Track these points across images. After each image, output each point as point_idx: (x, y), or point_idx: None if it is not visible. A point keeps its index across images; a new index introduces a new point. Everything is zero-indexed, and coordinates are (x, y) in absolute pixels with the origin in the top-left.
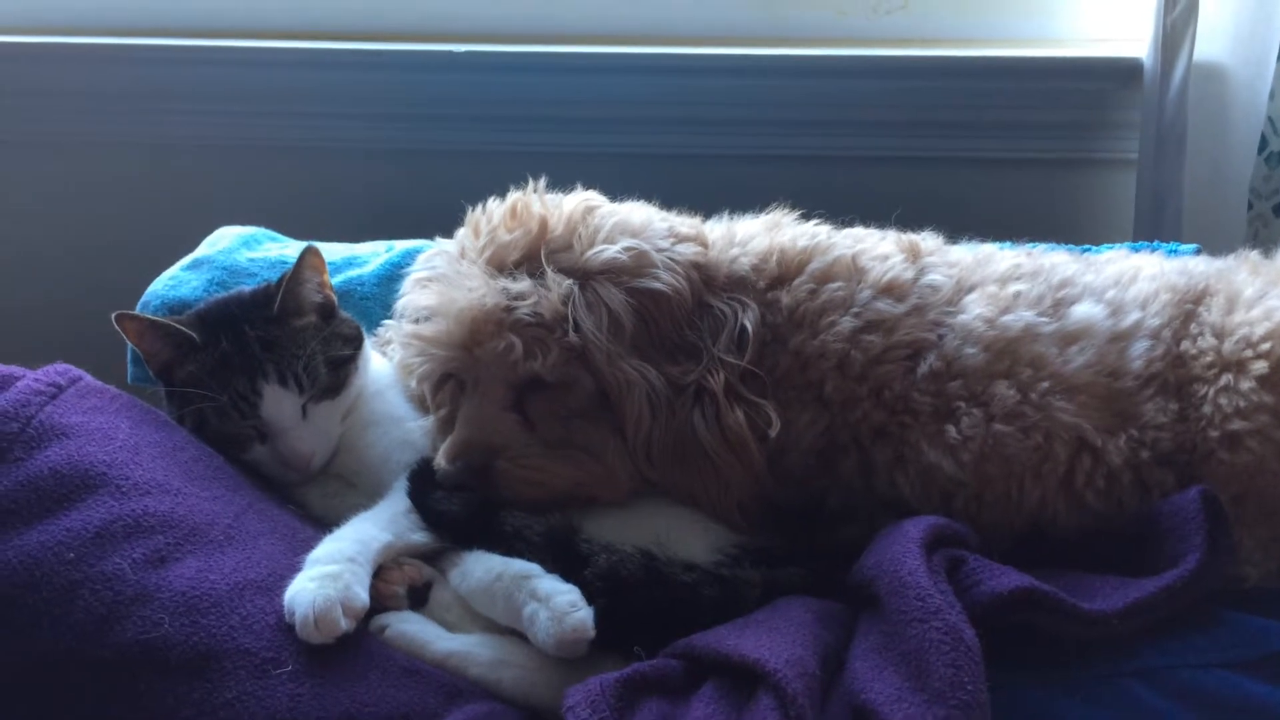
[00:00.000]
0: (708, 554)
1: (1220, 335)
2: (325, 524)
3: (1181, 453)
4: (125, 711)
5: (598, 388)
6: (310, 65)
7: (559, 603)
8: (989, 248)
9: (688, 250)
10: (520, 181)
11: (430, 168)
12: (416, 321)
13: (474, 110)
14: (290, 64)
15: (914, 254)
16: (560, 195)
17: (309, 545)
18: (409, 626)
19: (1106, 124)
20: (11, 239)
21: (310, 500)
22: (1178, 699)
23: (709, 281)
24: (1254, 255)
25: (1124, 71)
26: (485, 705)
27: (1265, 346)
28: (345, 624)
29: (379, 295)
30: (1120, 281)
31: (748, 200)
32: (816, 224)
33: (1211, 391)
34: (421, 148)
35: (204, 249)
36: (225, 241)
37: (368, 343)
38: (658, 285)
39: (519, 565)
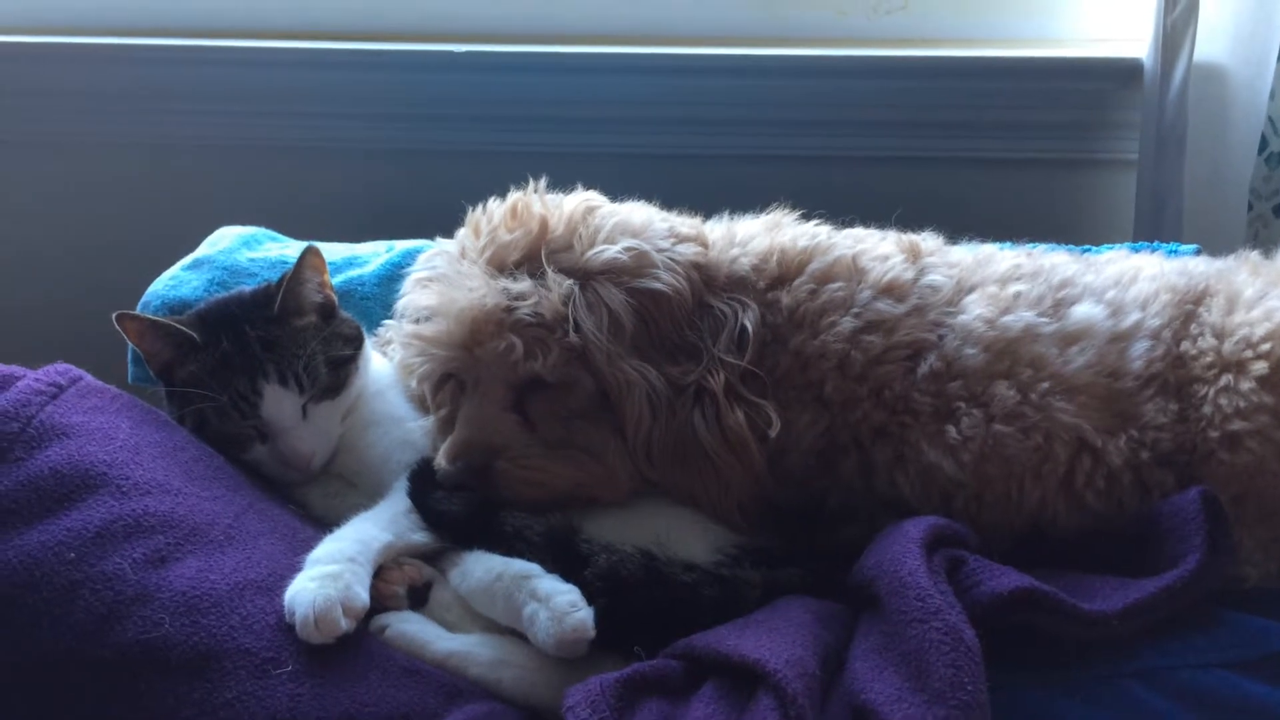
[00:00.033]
0: (708, 554)
1: (1220, 336)
2: (325, 524)
3: (1181, 453)
4: (125, 711)
5: (598, 388)
6: (310, 65)
7: (559, 603)
8: (989, 248)
9: (688, 250)
10: (520, 181)
11: (430, 168)
12: (417, 321)
13: (474, 110)
14: (290, 64)
15: (914, 254)
16: (560, 195)
17: (309, 545)
18: (409, 626)
19: (1106, 124)
20: (11, 239)
21: (311, 500)
22: (1178, 699)
23: (709, 282)
24: (1254, 256)
25: (1124, 72)
26: (485, 705)
27: (1265, 347)
28: (345, 624)
29: (379, 295)
30: (1120, 282)
31: (748, 200)
32: (817, 224)
33: (1211, 392)
34: (421, 148)
35: (204, 249)
36: (226, 241)
37: (368, 343)
38: (658, 285)
39: (519, 565)
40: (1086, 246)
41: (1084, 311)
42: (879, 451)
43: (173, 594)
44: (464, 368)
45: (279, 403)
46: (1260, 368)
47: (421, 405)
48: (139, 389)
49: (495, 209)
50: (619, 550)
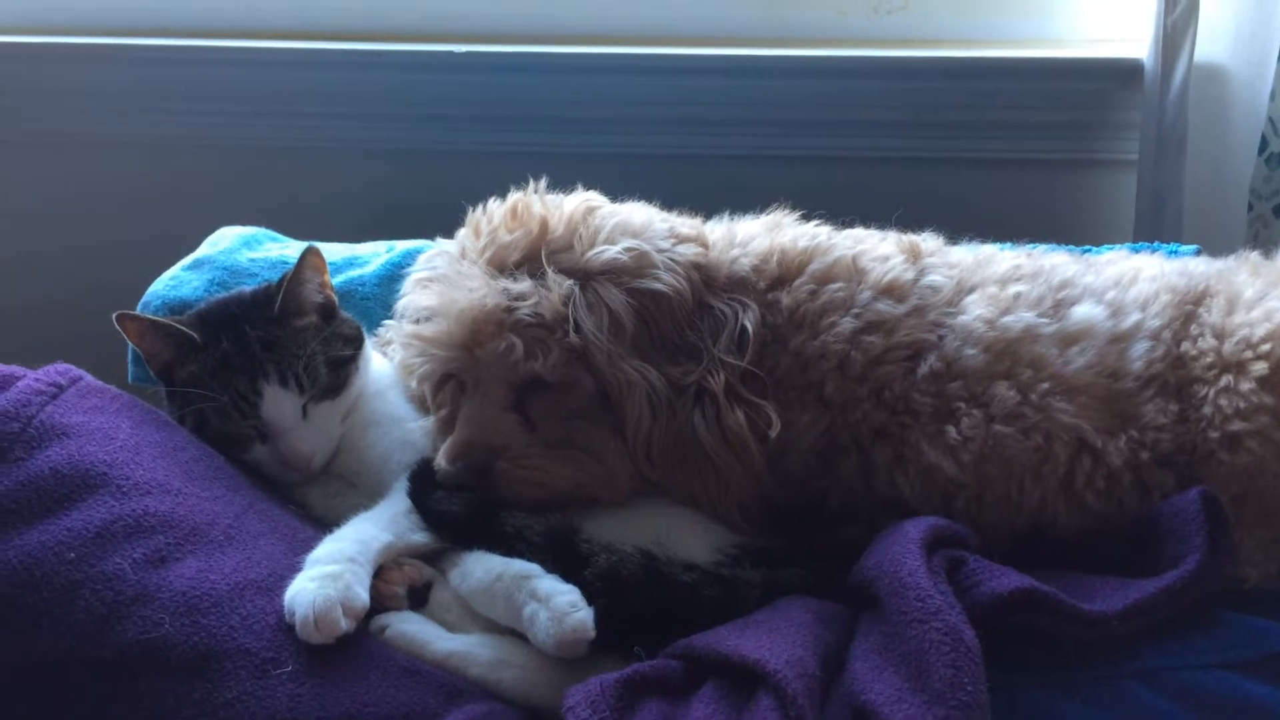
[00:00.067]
0: (708, 554)
1: (1220, 336)
2: (326, 524)
3: (1181, 454)
4: (125, 711)
5: (598, 388)
6: (310, 65)
7: (559, 603)
8: (989, 249)
9: (688, 251)
10: (520, 182)
11: (430, 168)
12: (417, 322)
13: (474, 110)
14: (290, 64)
15: (914, 255)
16: (561, 196)
17: (309, 545)
18: (409, 626)
19: (1107, 125)
20: (11, 239)
21: (311, 500)
22: (1178, 700)
23: (709, 282)
24: (1254, 256)
25: (1124, 72)
26: (485, 705)
27: (1265, 348)
28: (345, 624)
29: (380, 295)
30: (1120, 283)
31: (748, 201)
32: (817, 225)
33: (1211, 392)
34: (421, 148)
35: (205, 249)
36: (226, 241)
37: (368, 343)
38: (658, 286)
39: (519, 565)
40: (1087, 247)
41: (1084, 312)
42: (879, 452)
43: (173, 594)
44: (464, 368)
45: (279, 403)
46: (1260, 368)
47: (422, 405)
48: (139, 389)
49: (495, 209)
50: (619, 550)
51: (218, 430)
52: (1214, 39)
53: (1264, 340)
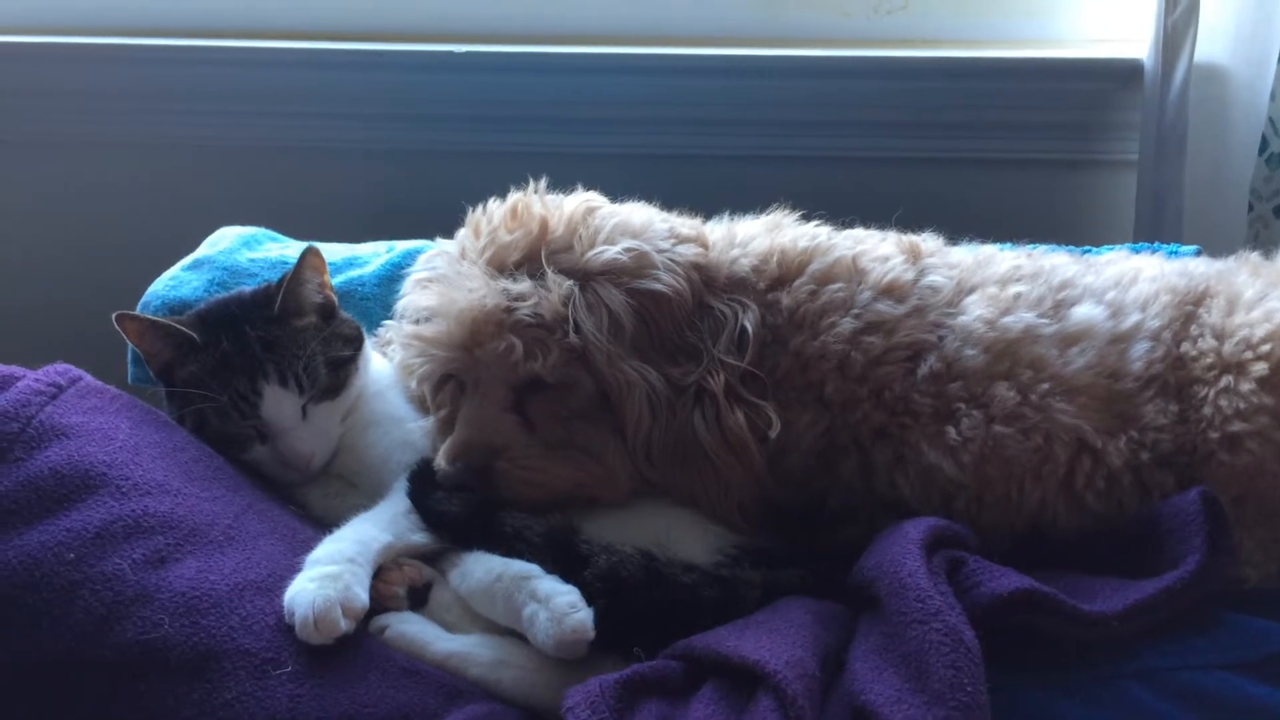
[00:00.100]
0: (708, 555)
1: (1220, 337)
2: (325, 524)
3: (1182, 454)
4: (125, 711)
5: (598, 389)
6: (310, 65)
7: (559, 604)
8: (989, 249)
9: (688, 251)
10: (520, 182)
11: (430, 168)
12: (417, 322)
13: (474, 110)
14: (290, 64)
15: (914, 255)
16: (561, 196)
17: (309, 546)
18: (409, 627)
19: (1107, 125)
20: (11, 239)
21: (310, 500)
22: (1178, 700)
23: (709, 282)
24: (1254, 257)
25: (1125, 72)
26: (485, 706)
27: (1265, 348)
28: (345, 625)
29: (379, 296)
30: (1120, 283)
31: (748, 201)
32: (817, 225)
33: (1211, 393)
34: (421, 148)
35: (204, 249)
36: (226, 242)
37: (368, 343)
38: (658, 286)
39: (519, 566)
40: (1087, 247)
41: (1084, 313)
42: (879, 452)
43: (172, 594)
44: (464, 368)
45: (279, 403)
46: (1260, 369)
47: (421, 406)
48: (139, 389)
49: (495, 209)
50: (619, 551)
51: (217, 430)
52: (1214, 39)
53: (1264, 341)
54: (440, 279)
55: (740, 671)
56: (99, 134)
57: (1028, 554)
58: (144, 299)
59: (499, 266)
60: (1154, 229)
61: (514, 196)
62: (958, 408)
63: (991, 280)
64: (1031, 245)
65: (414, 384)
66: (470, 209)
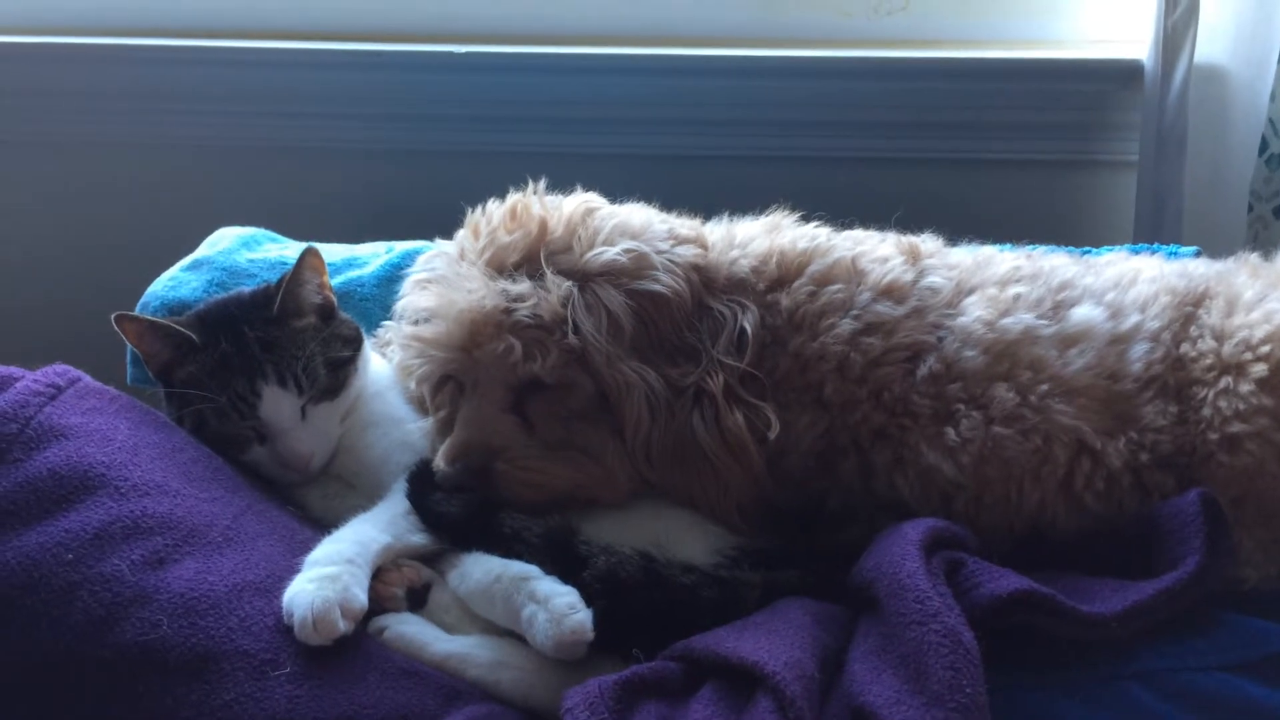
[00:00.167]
0: (707, 556)
1: (1220, 338)
2: (324, 525)
3: (1181, 455)
4: (125, 712)
5: (597, 389)
6: (310, 65)
7: (558, 605)
8: (989, 250)
9: (687, 252)
10: (520, 182)
11: (430, 168)
12: (416, 323)
13: (474, 110)
14: (290, 64)
15: (914, 256)
16: (560, 197)
17: (308, 546)
18: (408, 628)
19: (1107, 125)
20: (11, 239)
21: (309, 501)
22: (1177, 701)
23: (709, 283)
24: (1254, 258)
25: (1124, 73)
26: (484, 707)
27: (1265, 349)
28: (344, 626)
29: (379, 296)
30: (1120, 284)
31: (748, 202)
32: (816, 226)
33: (1211, 394)
34: (421, 148)
35: (204, 250)
36: (225, 242)
37: (367, 344)
38: (657, 287)
39: (518, 567)
40: (1086, 248)
41: (1083, 314)
42: (878, 453)
43: (171, 595)
44: (463, 369)
45: (278, 404)
46: (1260, 370)
47: (420, 406)
48: (138, 390)
49: (494, 210)
50: (618, 552)
51: (216, 431)
52: (1214, 40)
53: (1263, 342)
54: (439, 280)
55: (739, 672)
56: (99, 134)
57: (1027, 555)
58: (143, 299)
59: (498, 267)
60: (1154, 230)
61: (513, 197)
62: (957, 409)
63: (991, 281)
64: (1031, 246)
65: (413, 385)
66: (470, 209)
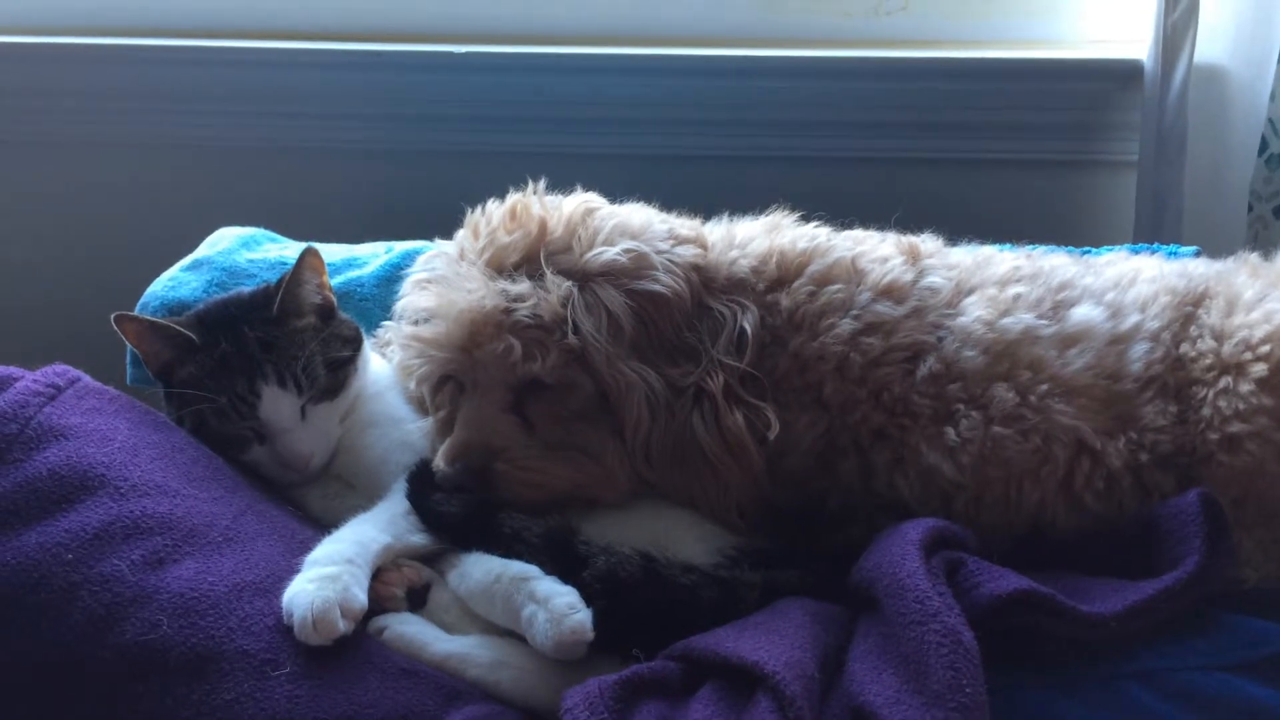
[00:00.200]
0: (707, 556)
1: (1220, 338)
2: (324, 525)
3: (1181, 455)
4: (124, 712)
5: (597, 390)
6: (310, 65)
7: (558, 604)
8: (988, 250)
9: (687, 252)
10: (520, 182)
11: (430, 168)
12: (416, 323)
13: (474, 110)
14: (290, 64)
15: (913, 256)
16: (560, 197)
17: (308, 546)
18: (408, 628)
19: (1107, 126)
20: (11, 239)
21: (309, 501)
22: (1177, 701)
23: (708, 283)
24: (1254, 258)
25: (1124, 73)
26: (484, 707)
27: (1265, 349)
28: (343, 625)
29: (378, 296)
30: (1120, 284)
31: (748, 202)
32: (816, 226)
33: (1211, 394)
34: (421, 148)
35: (203, 250)
36: (225, 242)
37: (367, 344)
38: (657, 287)
39: (518, 567)
40: (1086, 248)
41: (1083, 314)
42: (878, 453)
43: (171, 595)
44: (463, 369)
45: (277, 404)
46: (1259, 370)
47: (420, 407)
48: (138, 390)
49: (494, 210)
50: (618, 552)
51: (216, 431)
52: (1214, 40)
53: (1263, 342)
54: (439, 280)
55: (739, 672)
56: (99, 134)
57: (1027, 555)
58: (143, 300)
59: (498, 267)
60: (1153, 230)
61: (513, 197)
62: (957, 409)
63: (991, 281)
64: (1031, 246)
65: (413, 385)
66: (469, 209)
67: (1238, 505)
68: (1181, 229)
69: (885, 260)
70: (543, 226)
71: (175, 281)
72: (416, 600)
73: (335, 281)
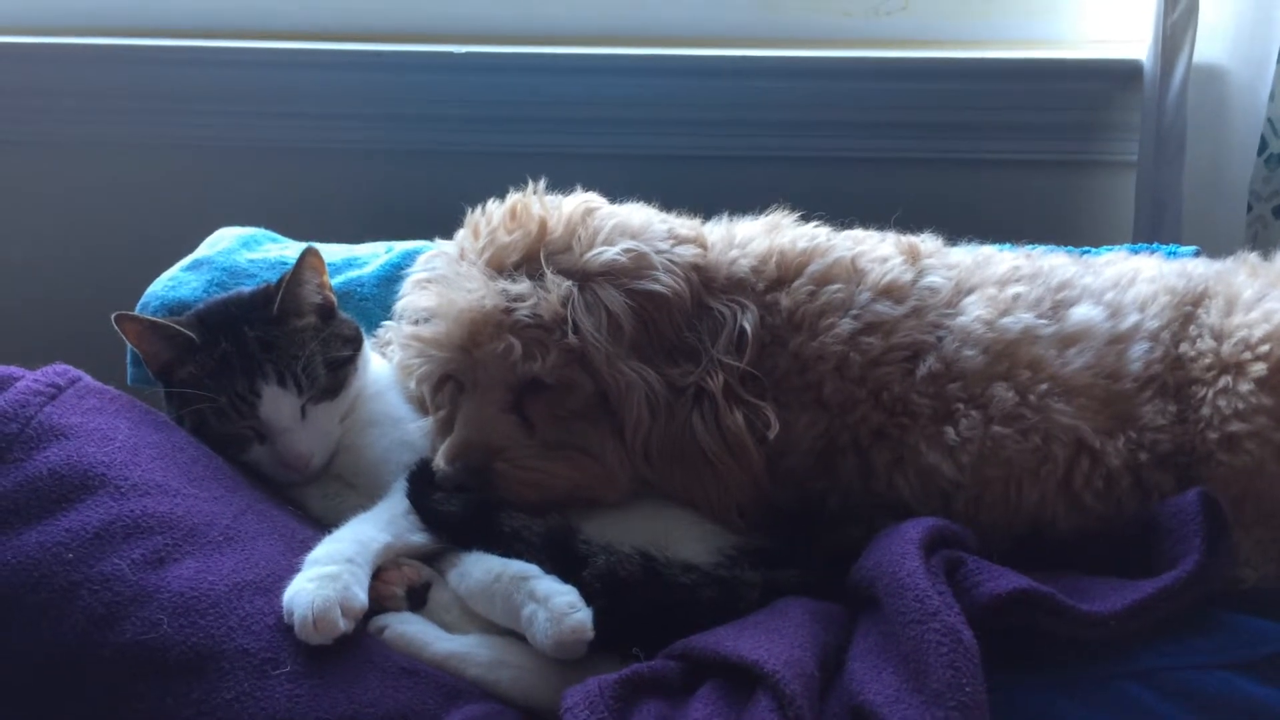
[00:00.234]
0: (707, 555)
1: (1219, 337)
2: (324, 525)
3: (1180, 454)
4: (125, 711)
5: (597, 389)
6: (310, 65)
7: (558, 603)
8: (988, 250)
9: (687, 252)
10: (520, 182)
11: (430, 168)
12: (416, 323)
13: (474, 110)
14: (290, 64)
15: (913, 256)
16: (560, 197)
17: (308, 546)
18: (408, 627)
19: (1106, 126)
20: (11, 239)
21: (309, 501)
22: (1177, 700)
23: (708, 283)
24: (1253, 257)
25: (1124, 73)
26: (484, 706)
27: (1264, 349)
28: (344, 625)
29: (378, 296)
30: (1119, 284)
31: (748, 201)
32: (816, 226)
33: (1210, 393)
34: (421, 148)
35: (204, 250)
36: (225, 242)
37: (367, 344)
38: (657, 287)
39: (518, 566)
40: (1086, 248)
41: (1083, 313)
42: (878, 453)
43: (171, 594)
44: (463, 369)
45: (277, 403)
46: (1259, 369)
47: (420, 406)
48: (138, 390)
49: (494, 210)
50: (617, 551)
51: (216, 431)
52: (1213, 40)
53: (1262, 341)
54: (439, 280)
55: (739, 671)
56: (99, 134)
57: (1027, 554)
58: (143, 299)
59: (498, 267)
60: (1153, 229)
61: (513, 197)
62: (956, 408)
63: (990, 281)
64: (1030, 246)
65: (413, 384)
66: (470, 209)
67: (1237, 504)
68: (1181, 229)
69: (885, 260)
70: (543, 226)
71: (175, 281)
72: (416, 599)
73: (335, 281)
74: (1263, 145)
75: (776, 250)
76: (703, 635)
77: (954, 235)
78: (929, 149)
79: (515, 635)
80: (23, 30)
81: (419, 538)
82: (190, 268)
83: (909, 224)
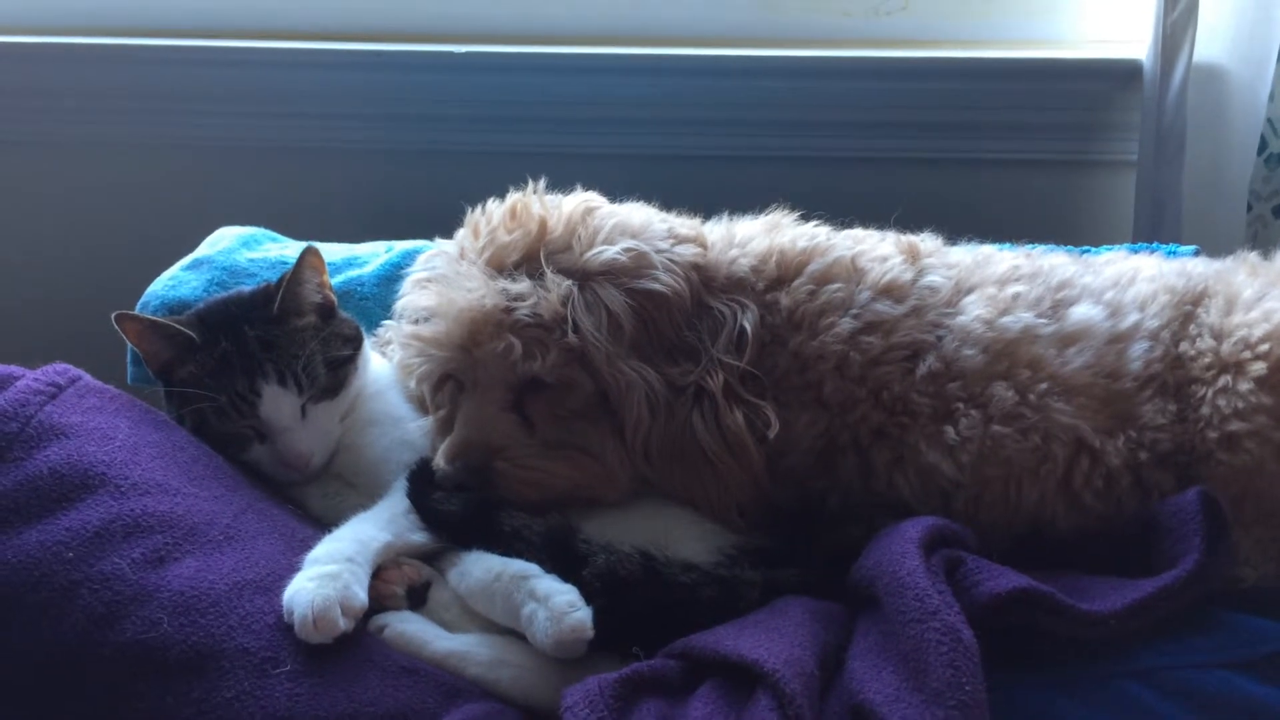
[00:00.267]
0: (707, 554)
1: (1219, 337)
2: (324, 524)
3: (1180, 454)
4: (125, 710)
5: (597, 388)
6: (310, 65)
7: (557, 602)
8: (988, 249)
9: (687, 251)
10: (520, 182)
11: (430, 168)
12: (416, 322)
13: (474, 110)
14: (290, 64)
15: (913, 255)
16: (560, 196)
17: (308, 545)
18: (408, 626)
19: (1106, 125)
20: (11, 239)
21: (309, 500)
22: (1177, 699)
23: (708, 283)
24: (1253, 257)
25: (1124, 73)
26: (484, 705)
27: (1264, 348)
28: (344, 624)
29: (379, 296)
30: (1119, 283)
31: (748, 201)
32: (816, 225)
33: (1210, 393)
34: (421, 148)
35: (204, 249)
36: (225, 242)
37: (367, 343)
38: (657, 286)
39: (518, 565)
40: (1086, 247)
41: (1082, 313)
42: (878, 452)
43: (171, 594)
44: (463, 368)
45: (277, 403)
46: (1258, 368)
47: (421, 406)
48: (138, 389)
49: (494, 210)
50: (617, 550)
51: (216, 430)
52: (1213, 40)
53: (1262, 340)
54: (439, 279)
55: (739, 670)
56: (99, 134)
57: (1026, 553)
58: (143, 299)
59: (498, 267)
60: (1153, 229)
61: (513, 197)
62: (956, 407)
63: (990, 280)
64: (1030, 245)
65: (413, 384)
66: (470, 209)
67: (1237, 504)
68: (1181, 228)
69: (885, 259)
70: (543, 225)
71: (175, 281)
72: (416, 598)
73: (335, 281)
74: (1263, 145)
75: (776, 249)
76: (703, 634)
77: (954, 235)
78: (929, 149)
79: (515, 634)
80: (23, 30)
81: (419, 537)
82: (190, 267)
83: (909, 224)
